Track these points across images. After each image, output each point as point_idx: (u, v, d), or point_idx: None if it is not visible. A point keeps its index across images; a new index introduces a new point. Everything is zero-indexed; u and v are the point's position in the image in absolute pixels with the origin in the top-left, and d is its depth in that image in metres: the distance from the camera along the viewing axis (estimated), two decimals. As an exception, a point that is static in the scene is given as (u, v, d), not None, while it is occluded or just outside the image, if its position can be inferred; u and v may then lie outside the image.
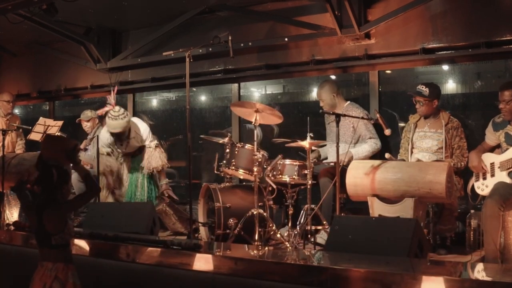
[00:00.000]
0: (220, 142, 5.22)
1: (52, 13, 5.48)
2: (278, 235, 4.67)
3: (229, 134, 5.31)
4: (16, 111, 7.58)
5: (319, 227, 4.69)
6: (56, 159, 3.28)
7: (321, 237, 4.69)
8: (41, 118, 6.57)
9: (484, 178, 4.41)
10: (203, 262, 3.57)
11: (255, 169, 4.67)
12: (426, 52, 5.32)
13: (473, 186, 4.50)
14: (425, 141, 4.81)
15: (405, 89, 6.05)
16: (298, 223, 4.76)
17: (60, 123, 6.52)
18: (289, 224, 4.74)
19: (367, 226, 3.78)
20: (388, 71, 6.01)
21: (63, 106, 8.95)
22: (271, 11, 6.15)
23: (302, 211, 4.75)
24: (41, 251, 3.24)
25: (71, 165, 3.35)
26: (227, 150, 5.02)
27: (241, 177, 5.35)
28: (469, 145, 4.74)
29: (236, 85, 6.79)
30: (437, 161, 4.56)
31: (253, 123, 4.72)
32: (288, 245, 4.52)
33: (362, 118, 5.01)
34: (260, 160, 4.72)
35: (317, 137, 4.88)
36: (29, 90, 8.18)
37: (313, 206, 4.55)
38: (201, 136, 5.66)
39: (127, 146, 5.74)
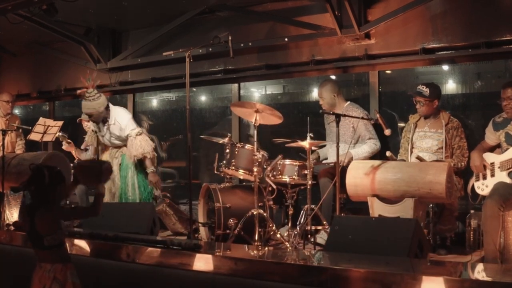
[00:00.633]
0: (220, 142, 5.22)
1: (52, 13, 5.48)
2: (278, 235, 4.67)
3: (229, 134, 5.31)
4: (16, 111, 7.58)
5: (319, 227, 4.69)
6: (93, 184, 3.43)
7: (321, 237, 4.69)
8: (41, 118, 6.57)
9: (484, 178, 4.41)
10: (203, 262, 3.57)
11: (255, 169, 4.67)
12: (426, 52, 5.32)
13: (473, 186, 4.50)
14: (425, 141, 4.81)
15: (405, 89, 6.05)
16: (298, 223, 4.76)
17: (60, 123, 6.52)
18: (289, 224, 4.74)
19: (367, 226, 3.78)
20: (388, 71, 6.01)
21: (63, 106, 8.94)
22: (271, 11, 6.16)
23: (302, 211, 4.75)
24: (37, 253, 3.24)
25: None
26: (227, 150, 5.02)
27: (241, 177, 5.35)
28: (469, 145, 4.74)
29: (236, 85, 6.79)
30: (437, 161, 4.56)
31: (253, 123, 4.72)
32: (288, 245, 4.52)
33: (362, 118, 5.01)
34: (260, 160, 4.72)
35: (317, 137, 4.88)
36: (29, 90, 8.18)
37: (313, 206, 4.55)
38: (201, 136, 5.66)
39: (107, 132, 5.75)
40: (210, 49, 6.07)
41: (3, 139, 5.74)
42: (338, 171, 4.35)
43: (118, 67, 7.17)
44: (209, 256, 3.56)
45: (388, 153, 4.59)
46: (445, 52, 5.30)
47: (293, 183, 4.75)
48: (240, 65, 6.40)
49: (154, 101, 8.31)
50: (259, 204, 4.71)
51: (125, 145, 5.78)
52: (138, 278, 3.86)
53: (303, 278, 3.17)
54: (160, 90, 7.68)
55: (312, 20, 5.82)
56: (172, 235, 5.56)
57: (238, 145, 5.02)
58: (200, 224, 5.25)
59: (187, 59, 4.67)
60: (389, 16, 5.31)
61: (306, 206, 4.62)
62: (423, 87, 4.77)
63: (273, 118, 4.85)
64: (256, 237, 4.52)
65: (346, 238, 3.67)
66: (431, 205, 4.43)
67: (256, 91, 7.60)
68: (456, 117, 4.91)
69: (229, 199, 4.98)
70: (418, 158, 4.59)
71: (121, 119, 5.68)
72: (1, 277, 4.59)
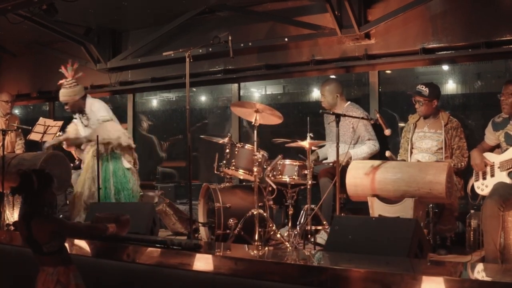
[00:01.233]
0: (220, 142, 5.22)
1: (52, 13, 5.48)
2: (278, 235, 4.67)
3: (229, 134, 5.31)
4: (16, 111, 7.58)
5: (319, 227, 4.69)
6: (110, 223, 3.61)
7: (321, 237, 4.69)
8: (41, 118, 6.57)
9: (484, 178, 4.41)
10: (203, 262, 3.57)
11: (255, 169, 4.67)
12: (426, 52, 5.32)
13: (473, 186, 4.50)
14: (424, 142, 4.81)
15: (405, 89, 6.05)
16: (298, 223, 4.75)
17: (60, 123, 6.53)
18: (289, 224, 4.74)
19: (367, 226, 3.78)
20: (388, 71, 6.01)
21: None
22: (271, 11, 6.16)
23: (302, 211, 4.75)
24: (37, 257, 3.23)
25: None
26: (227, 150, 5.02)
27: (241, 177, 5.35)
28: (469, 145, 4.74)
29: (236, 85, 6.79)
30: (437, 162, 4.56)
31: (253, 123, 4.72)
32: (288, 245, 4.51)
33: (362, 118, 5.01)
34: (260, 160, 4.72)
35: (317, 137, 4.88)
36: (29, 90, 8.18)
37: (313, 206, 4.55)
38: (201, 136, 5.66)
39: (88, 123, 5.80)
40: (210, 49, 6.07)
41: (3, 139, 5.75)
42: (338, 171, 4.35)
43: (118, 67, 7.17)
44: (209, 256, 3.56)
45: (387, 153, 4.59)
46: (445, 52, 5.30)
47: (293, 183, 4.75)
48: (240, 65, 6.40)
49: (154, 101, 8.31)
50: (259, 204, 4.71)
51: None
52: (138, 278, 3.86)
53: (303, 278, 3.17)
54: (160, 90, 7.68)
55: (312, 20, 5.82)
56: (172, 235, 5.56)
57: (238, 145, 5.02)
58: (200, 224, 5.25)
59: (187, 59, 4.66)
60: (389, 16, 5.31)
61: (306, 206, 4.62)
62: (422, 87, 4.78)
63: (273, 118, 4.85)
64: (256, 237, 4.52)
65: (346, 238, 3.67)
66: (431, 205, 4.43)
67: (256, 91, 7.61)
68: (456, 117, 4.90)
69: (229, 199, 4.98)
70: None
71: (95, 107, 5.75)
72: (1, 277, 4.59)
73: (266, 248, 4.32)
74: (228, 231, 4.84)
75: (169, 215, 5.57)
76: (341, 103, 5.36)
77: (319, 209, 4.59)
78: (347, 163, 4.71)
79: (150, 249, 3.87)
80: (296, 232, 4.63)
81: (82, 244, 4.20)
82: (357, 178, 4.40)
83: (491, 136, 4.53)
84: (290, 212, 4.74)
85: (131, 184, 5.70)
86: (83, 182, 5.63)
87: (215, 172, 5.20)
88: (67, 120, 7.04)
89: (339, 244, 3.68)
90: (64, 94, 5.75)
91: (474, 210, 4.71)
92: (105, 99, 7.96)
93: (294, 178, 4.71)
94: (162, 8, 6.33)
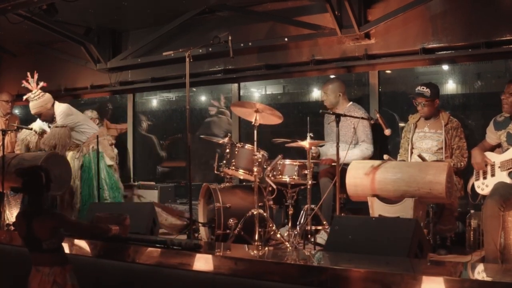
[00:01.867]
0: (220, 142, 5.22)
1: (52, 13, 5.48)
2: (278, 235, 4.68)
3: (229, 134, 5.31)
4: (16, 111, 7.57)
5: (319, 227, 4.69)
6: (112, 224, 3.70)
7: (321, 237, 4.69)
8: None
9: (485, 178, 4.41)
10: (203, 262, 3.57)
11: (255, 169, 4.67)
12: (426, 52, 5.32)
13: (473, 185, 4.50)
14: (425, 142, 4.81)
15: (405, 89, 6.05)
16: (298, 223, 4.76)
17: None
18: (289, 224, 4.74)
19: (367, 226, 3.78)
20: (388, 71, 6.01)
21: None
22: (271, 11, 6.15)
23: (302, 211, 4.76)
24: (33, 256, 3.21)
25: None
26: (227, 150, 5.02)
27: (241, 177, 5.35)
28: (469, 145, 4.74)
29: (236, 85, 6.79)
30: (437, 161, 4.55)
31: (253, 123, 4.72)
32: (288, 245, 4.52)
33: (362, 118, 5.01)
34: (260, 160, 4.72)
35: (317, 137, 4.88)
36: (29, 90, 8.15)
37: (313, 206, 4.55)
38: (201, 136, 5.66)
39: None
40: (210, 49, 6.07)
41: (3, 139, 5.75)
42: (338, 171, 4.35)
43: (118, 67, 7.17)
44: (209, 256, 3.56)
45: (385, 157, 4.58)
46: (445, 52, 5.29)
47: (293, 183, 4.75)
48: (240, 65, 6.40)
49: (154, 101, 8.30)
50: (259, 204, 4.71)
51: (82, 141, 5.93)
52: (138, 278, 3.86)
53: (303, 278, 3.17)
54: (160, 90, 7.67)
55: (312, 20, 5.82)
56: (169, 234, 5.54)
57: (238, 145, 5.02)
58: (200, 224, 5.25)
59: (187, 59, 4.67)
60: (389, 16, 5.31)
61: (306, 206, 4.62)
62: (423, 88, 4.76)
63: (273, 118, 4.85)
64: (256, 237, 4.52)
65: (346, 238, 3.67)
66: (431, 205, 4.43)
67: (256, 91, 7.60)
68: (456, 117, 4.90)
69: (229, 199, 4.98)
70: (420, 156, 4.58)
71: (58, 112, 5.83)
72: (1, 277, 4.59)
73: (266, 248, 4.32)
74: (228, 231, 4.84)
75: (159, 213, 5.56)
76: (343, 103, 5.36)
77: (319, 209, 4.60)
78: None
79: (150, 249, 3.87)
80: (296, 232, 4.64)
81: (82, 244, 4.20)
82: (357, 178, 4.40)
83: (492, 136, 4.53)
84: (290, 212, 4.75)
85: (113, 181, 5.87)
86: None
87: (215, 172, 5.21)
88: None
89: (339, 244, 3.69)
90: (36, 106, 5.80)
91: (474, 210, 4.70)
92: (105, 99, 7.99)
93: (294, 178, 4.71)
94: (162, 8, 6.33)
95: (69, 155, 5.96)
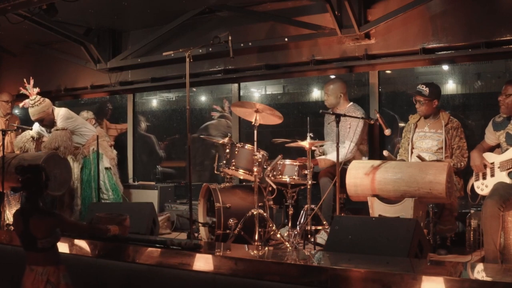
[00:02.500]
0: (220, 142, 5.23)
1: (52, 13, 5.48)
2: (278, 235, 4.68)
3: (229, 134, 5.31)
4: (16, 111, 7.57)
5: (319, 227, 4.69)
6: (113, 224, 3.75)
7: (321, 237, 4.69)
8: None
9: (484, 178, 4.41)
10: (203, 262, 3.57)
11: (255, 169, 4.68)
12: (426, 52, 5.32)
13: (472, 186, 4.50)
14: (425, 142, 4.81)
15: (405, 89, 6.05)
16: (298, 223, 4.76)
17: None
18: (289, 224, 4.74)
19: (367, 226, 3.78)
20: (388, 71, 6.01)
21: (63, 106, 8.93)
22: (271, 11, 6.15)
23: (302, 211, 4.75)
24: (28, 255, 3.22)
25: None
26: (227, 150, 5.02)
27: (241, 177, 5.35)
28: (469, 145, 4.75)
29: (236, 85, 6.79)
30: (437, 161, 4.55)
31: (253, 123, 4.72)
32: (288, 245, 4.52)
33: (362, 118, 5.01)
34: (260, 160, 4.73)
35: (317, 137, 4.88)
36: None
37: (313, 206, 4.55)
38: (201, 136, 5.66)
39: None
40: (210, 49, 6.07)
41: (3, 139, 5.75)
42: (338, 171, 4.35)
43: (118, 67, 7.17)
44: (209, 256, 3.56)
45: (385, 152, 4.57)
46: (445, 52, 5.29)
47: (293, 183, 4.75)
48: (240, 65, 6.40)
49: (154, 101, 8.31)
50: (259, 204, 4.71)
51: (82, 144, 5.97)
52: (138, 278, 3.86)
53: (303, 278, 3.17)
54: (160, 90, 7.67)
55: (312, 20, 5.82)
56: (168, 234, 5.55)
57: (238, 145, 5.02)
58: (200, 224, 5.25)
59: (187, 59, 4.67)
60: (389, 16, 5.31)
61: (306, 206, 4.62)
62: (423, 87, 4.78)
63: (273, 118, 4.85)
64: (256, 237, 4.52)
65: (346, 238, 3.67)
66: (431, 205, 4.43)
67: (256, 91, 7.60)
68: (456, 117, 4.91)
69: (229, 199, 4.98)
70: (419, 157, 4.59)
71: (59, 116, 5.89)
72: (1, 277, 4.59)
73: (266, 248, 4.32)
74: (228, 231, 4.84)
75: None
76: (343, 103, 5.35)
77: (319, 209, 4.60)
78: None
79: (150, 249, 3.87)
80: (296, 232, 4.64)
81: (82, 244, 4.21)
82: (357, 178, 4.40)
83: (491, 136, 4.53)
84: (290, 212, 4.75)
85: (112, 181, 5.93)
86: None
87: (215, 172, 5.21)
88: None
89: (339, 244, 3.69)
90: (37, 112, 5.83)
91: (474, 210, 4.70)
92: (105, 99, 7.99)
93: (294, 178, 4.71)
94: (162, 8, 6.33)
95: (70, 158, 5.97)
